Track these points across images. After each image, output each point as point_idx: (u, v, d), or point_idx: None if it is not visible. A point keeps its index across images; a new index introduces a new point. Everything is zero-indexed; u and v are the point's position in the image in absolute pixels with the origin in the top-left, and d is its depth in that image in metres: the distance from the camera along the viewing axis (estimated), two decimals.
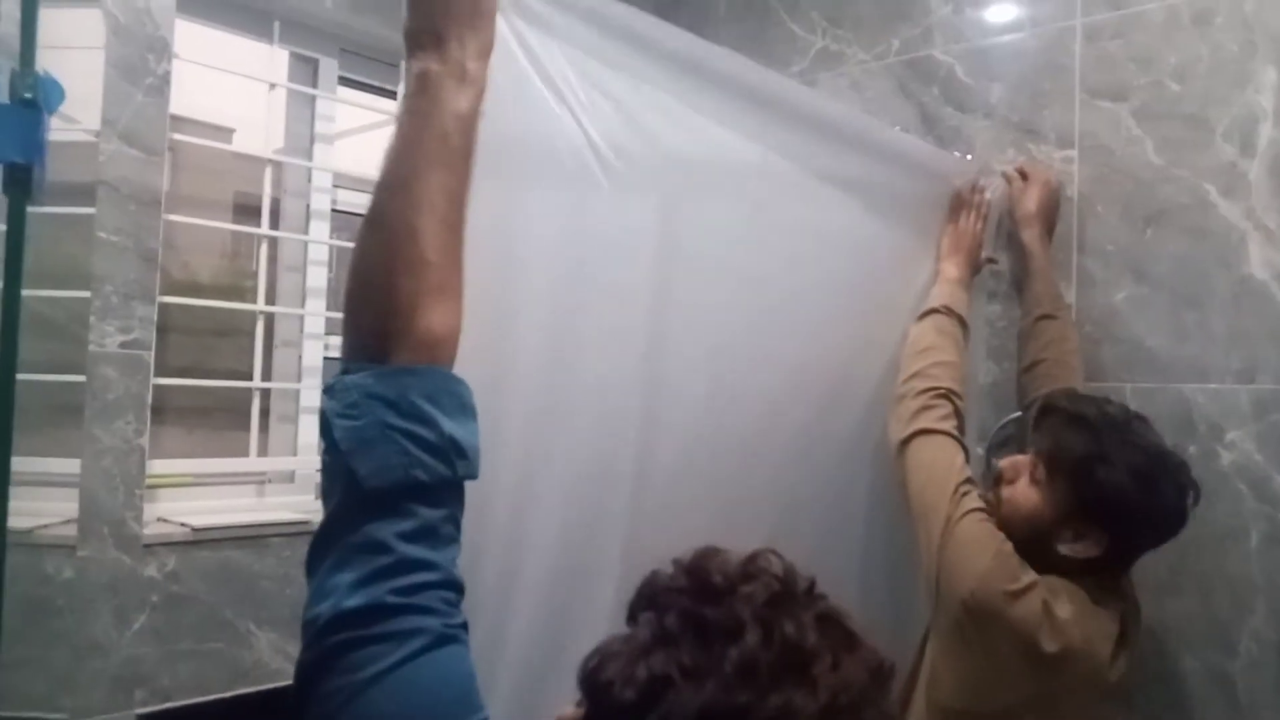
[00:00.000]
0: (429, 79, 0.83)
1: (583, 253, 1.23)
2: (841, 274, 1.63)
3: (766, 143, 1.47)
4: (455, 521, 0.77)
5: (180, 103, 2.00)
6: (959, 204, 1.80)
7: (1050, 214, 1.84)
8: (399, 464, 0.73)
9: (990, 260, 1.85)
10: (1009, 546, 1.38)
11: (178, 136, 2.03)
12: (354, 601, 0.70)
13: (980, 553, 1.37)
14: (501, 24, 0.98)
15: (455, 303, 0.81)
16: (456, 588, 0.75)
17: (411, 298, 0.77)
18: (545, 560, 1.22)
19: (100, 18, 1.78)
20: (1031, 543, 1.40)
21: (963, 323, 1.68)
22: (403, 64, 0.89)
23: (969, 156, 1.95)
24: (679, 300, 1.36)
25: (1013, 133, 1.92)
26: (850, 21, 2.17)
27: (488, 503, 0.86)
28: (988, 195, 1.81)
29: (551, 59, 1.12)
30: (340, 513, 0.74)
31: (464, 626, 0.74)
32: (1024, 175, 1.85)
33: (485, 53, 0.88)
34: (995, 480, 1.52)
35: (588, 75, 1.17)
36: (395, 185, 0.80)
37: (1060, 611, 1.33)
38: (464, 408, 0.79)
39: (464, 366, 0.82)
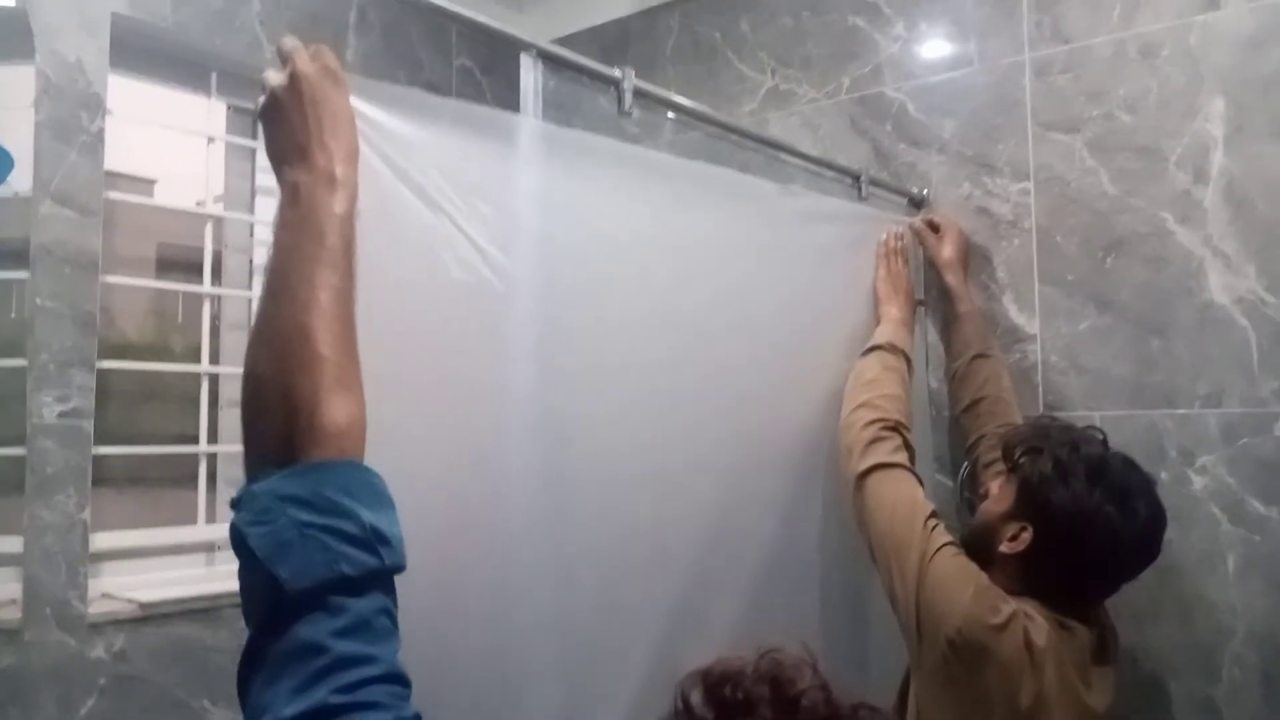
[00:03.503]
0: (299, 190, 0.84)
1: (483, 355, 1.19)
2: (766, 330, 1.60)
3: (662, 217, 1.45)
4: (390, 614, 0.73)
5: (116, 159, 1.92)
6: (885, 252, 1.83)
7: (966, 258, 1.91)
8: (321, 560, 0.69)
9: (920, 303, 1.91)
10: (985, 579, 1.38)
11: (115, 195, 1.95)
12: (293, 709, 0.64)
13: (960, 589, 1.36)
14: (364, 145, 0.97)
15: (356, 393, 0.79)
16: (402, 681, 0.70)
17: (311, 393, 0.75)
18: (478, 662, 1.17)
19: (32, 75, 1.70)
20: (985, 550, 1.43)
21: (907, 359, 1.70)
22: None
23: (925, 191, 1.96)
24: (600, 385, 1.32)
25: (968, 167, 1.93)
26: (799, 61, 2.18)
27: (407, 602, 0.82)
28: (906, 241, 1.86)
29: (421, 171, 1.10)
30: (265, 624, 0.69)
31: (418, 718, 0.69)
32: (934, 227, 1.91)
33: (351, 157, 0.89)
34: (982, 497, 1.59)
35: (461, 182, 1.14)
36: (280, 293, 0.80)
37: (1037, 638, 1.33)
38: (380, 497, 0.76)
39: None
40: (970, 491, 1.86)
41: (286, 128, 0.87)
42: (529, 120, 1.23)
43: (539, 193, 1.24)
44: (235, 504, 0.73)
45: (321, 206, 0.83)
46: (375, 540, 0.72)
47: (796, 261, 1.67)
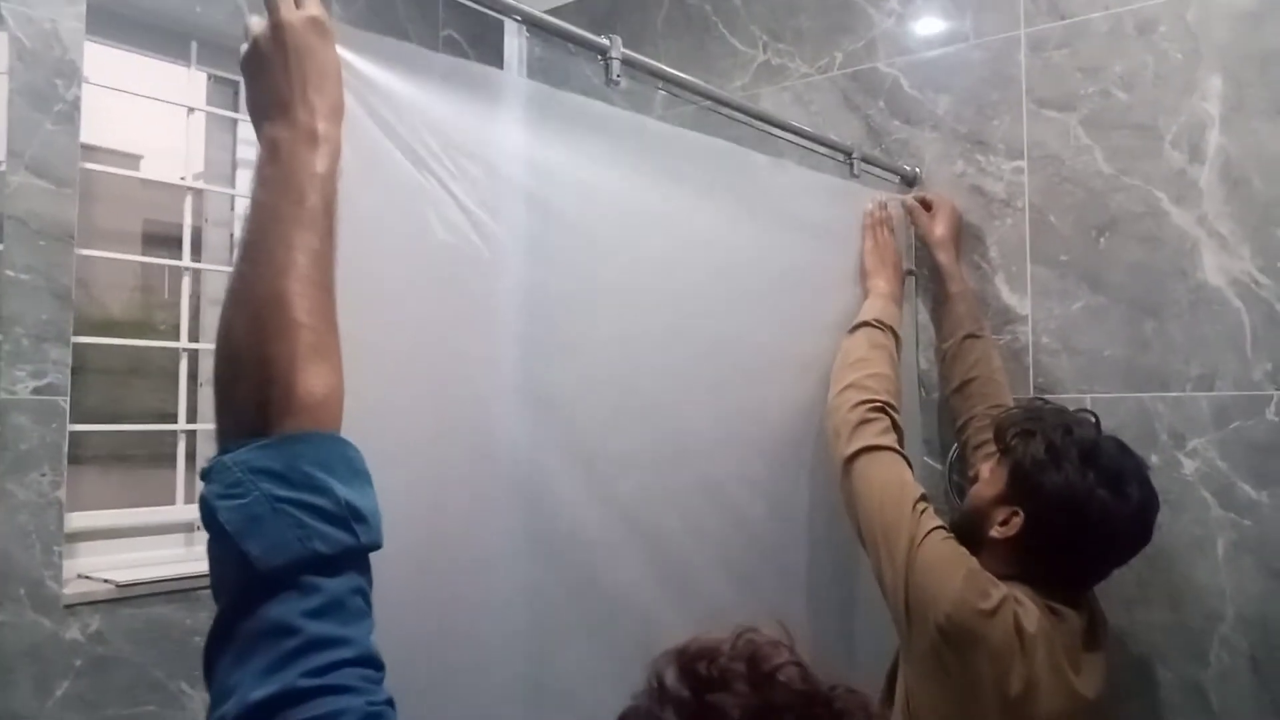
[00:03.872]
0: (279, 146, 0.80)
1: (467, 321, 1.15)
2: (755, 305, 1.58)
3: (655, 185, 1.41)
4: (364, 594, 0.71)
5: (93, 130, 1.88)
6: (871, 223, 1.80)
7: (959, 236, 1.87)
8: (295, 537, 0.67)
9: (910, 272, 1.89)
10: (975, 563, 1.36)
11: (91, 166, 1.91)
12: (261, 692, 0.62)
13: (950, 573, 1.34)
14: (351, 99, 0.93)
15: (334, 363, 0.76)
16: (375, 664, 0.68)
17: (288, 362, 0.72)
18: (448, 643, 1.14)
19: (5, 42, 1.65)
20: (975, 534, 1.41)
21: (895, 335, 1.67)
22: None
23: (918, 169, 1.93)
24: (586, 358, 1.30)
25: (961, 144, 1.90)
26: (791, 35, 2.14)
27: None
28: (892, 209, 1.84)
29: (410, 129, 1.06)
30: (235, 602, 0.67)
31: (390, 703, 0.67)
32: (926, 204, 1.87)
33: (335, 113, 0.85)
34: (972, 480, 1.57)
35: (451, 142, 1.10)
36: (256, 255, 0.76)
37: (1027, 624, 1.31)
38: (357, 472, 0.73)
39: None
40: (959, 474, 1.84)
41: (268, 80, 0.83)
42: (523, 81, 1.19)
43: (530, 156, 1.21)
44: (205, 475, 0.70)
45: (302, 165, 0.80)
46: (351, 517, 0.70)
47: (787, 236, 1.65)
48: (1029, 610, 1.32)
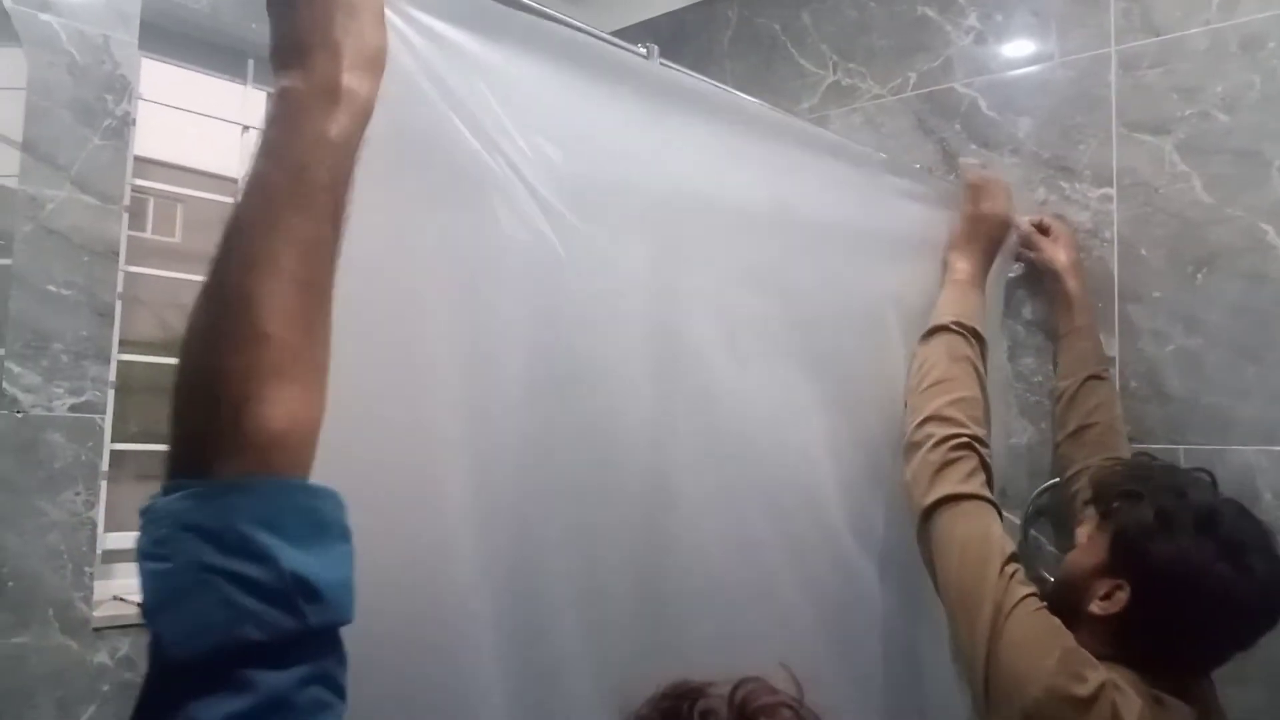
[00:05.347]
0: (288, 100, 0.66)
1: (533, 335, 1.01)
2: (862, 325, 1.46)
3: (768, 181, 1.29)
4: (326, 680, 0.58)
5: (170, 150, 1.89)
6: (972, 180, 1.62)
7: (1081, 265, 1.69)
8: (220, 621, 0.54)
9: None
10: (1071, 640, 1.18)
11: (141, 182, 1.90)
12: None
13: (1043, 652, 1.16)
14: (405, 54, 0.80)
15: (306, 386, 0.61)
16: None
17: (241, 383, 0.58)
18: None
19: (20, 57, 1.63)
20: (1071, 608, 1.23)
21: (978, 337, 1.47)
22: None
23: None
24: (666, 384, 1.15)
25: (1044, 170, 1.75)
26: (863, 54, 2.03)
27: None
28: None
29: (479, 98, 0.93)
30: (153, 689, 0.54)
31: None
32: (1044, 229, 1.71)
33: (368, 63, 0.70)
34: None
35: (528, 117, 0.97)
36: (232, 238, 0.62)
37: (1128, 715, 1.12)
38: (321, 529, 0.59)
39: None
40: (1038, 529, 1.69)
41: (292, 19, 0.69)
42: (620, 53, 1.07)
43: (621, 143, 1.07)
44: (142, 515, 0.58)
45: (309, 125, 0.65)
46: (298, 593, 0.56)
47: (902, 250, 1.55)
48: (1130, 700, 1.13)
